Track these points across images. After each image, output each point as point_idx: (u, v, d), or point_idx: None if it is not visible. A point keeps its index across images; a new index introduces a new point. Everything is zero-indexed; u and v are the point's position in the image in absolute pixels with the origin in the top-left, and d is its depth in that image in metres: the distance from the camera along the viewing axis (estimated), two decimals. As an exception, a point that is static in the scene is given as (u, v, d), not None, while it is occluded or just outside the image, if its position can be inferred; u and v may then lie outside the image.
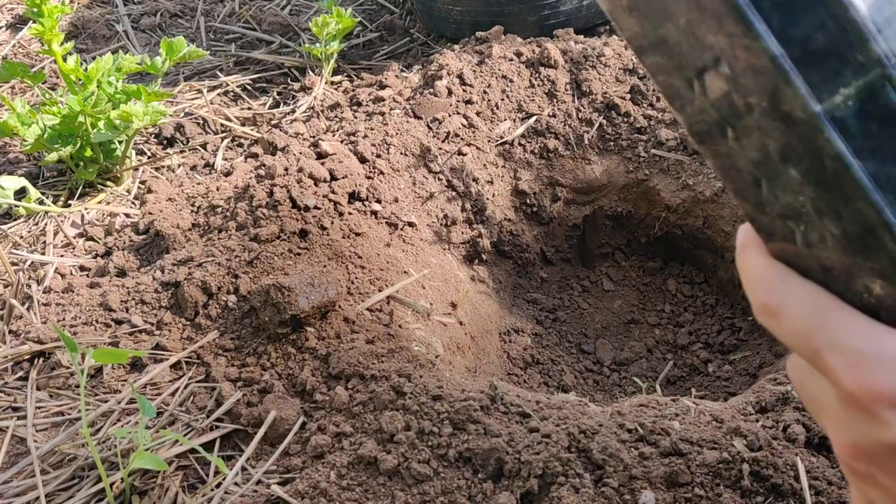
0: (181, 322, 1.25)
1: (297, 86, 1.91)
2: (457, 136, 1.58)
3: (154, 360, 1.20)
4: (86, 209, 1.56)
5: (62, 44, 1.59)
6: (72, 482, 1.05)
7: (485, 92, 1.63)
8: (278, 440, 1.09)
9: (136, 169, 1.67)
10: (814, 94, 0.34)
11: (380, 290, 1.29)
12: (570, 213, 1.71)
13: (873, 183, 0.34)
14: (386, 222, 1.42)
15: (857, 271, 0.36)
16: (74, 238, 1.50)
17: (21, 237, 1.51)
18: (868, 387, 0.35)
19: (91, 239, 1.49)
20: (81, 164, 1.61)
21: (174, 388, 1.17)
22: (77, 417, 1.13)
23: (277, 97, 1.91)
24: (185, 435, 1.10)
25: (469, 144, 1.59)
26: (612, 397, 1.48)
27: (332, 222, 1.35)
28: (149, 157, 1.73)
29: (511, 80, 1.65)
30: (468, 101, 1.62)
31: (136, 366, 1.21)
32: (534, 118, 1.63)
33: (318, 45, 1.87)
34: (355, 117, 1.63)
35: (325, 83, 1.89)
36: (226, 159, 1.69)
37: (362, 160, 1.46)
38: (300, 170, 1.40)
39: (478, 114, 1.62)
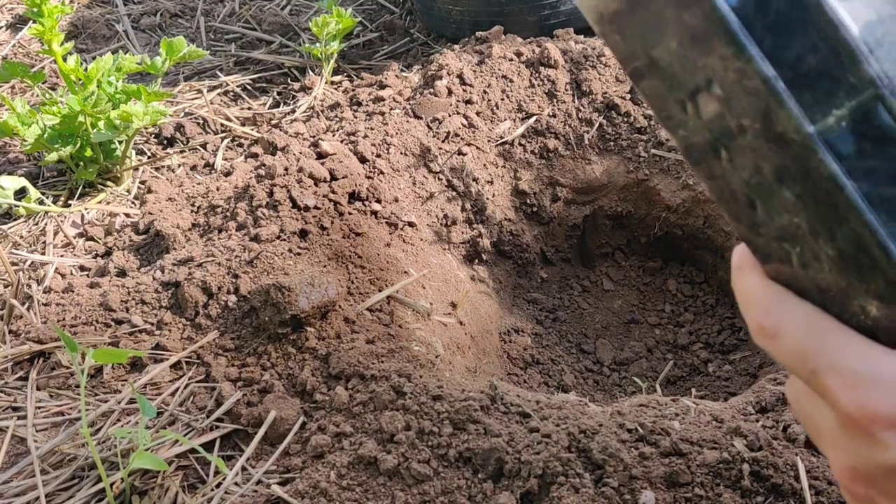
0: (181, 322, 1.25)
1: (297, 86, 1.91)
2: (457, 135, 1.58)
3: (154, 360, 1.20)
4: (86, 209, 1.56)
5: (62, 44, 1.59)
6: (72, 482, 1.05)
7: (485, 92, 1.63)
8: (278, 440, 1.09)
9: (136, 169, 1.67)
10: (807, 116, 0.34)
11: (380, 290, 1.29)
12: (570, 213, 1.71)
13: (867, 203, 0.34)
14: (386, 222, 1.42)
15: (853, 292, 0.36)
16: (74, 238, 1.50)
17: (21, 237, 1.51)
18: (866, 408, 0.35)
19: (91, 239, 1.49)
20: (81, 164, 1.61)
21: (174, 388, 1.17)
22: (77, 417, 1.13)
23: (277, 97, 1.91)
24: (185, 435, 1.10)
25: (469, 144, 1.59)
26: (612, 397, 1.48)
27: (332, 222, 1.35)
28: (149, 157, 1.73)
29: (511, 80, 1.65)
30: (468, 101, 1.62)
31: (136, 366, 1.21)
32: (534, 118, 1.63)
33: (318, 45, 1.87)
34: (355, 117, 1.63)
35: (325, 83, 1.89)
36: (226, 159, 1.69)
37: (362, 160, 1.46)
38: (300, 170, 1.40)
39: (478, 114, 1.62)
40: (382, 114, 1.59)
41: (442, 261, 1.48)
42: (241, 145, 1.75)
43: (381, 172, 1.46)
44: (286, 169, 1.41)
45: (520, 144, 1.63)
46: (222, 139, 1.76)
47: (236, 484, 1.04)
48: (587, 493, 0.92)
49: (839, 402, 0.36)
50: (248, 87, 1.94)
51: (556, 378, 1.49)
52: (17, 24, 2.25)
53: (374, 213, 1.42)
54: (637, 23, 0.38)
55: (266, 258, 1.27)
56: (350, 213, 1.38)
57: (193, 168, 1.68)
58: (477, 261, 1.59)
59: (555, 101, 1.65)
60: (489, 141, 1.61)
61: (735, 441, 0.98)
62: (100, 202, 1.59)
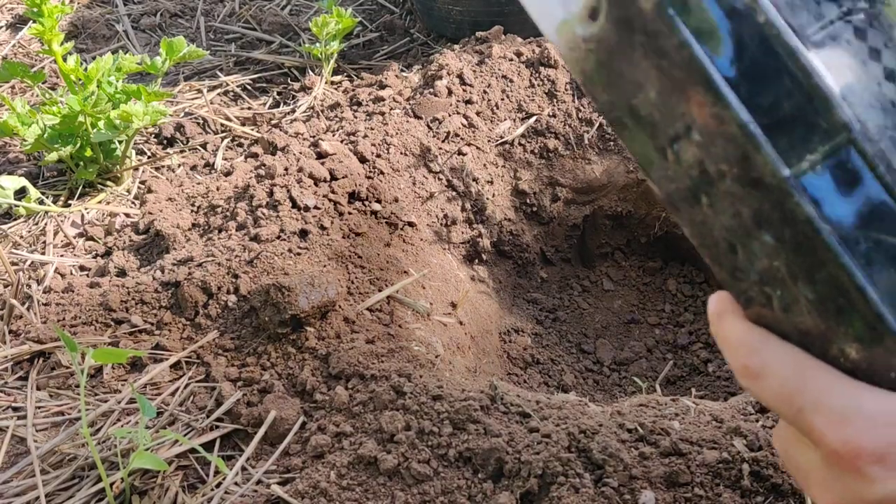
0: (181, 322, 1.25)
1: (297, 86, 1.91)
2: (457, 135, 1.58)
3: (154, 360, 1.20)
4: (86, 209, 1.56)
5: (62, 44, 1.59)
6: (72, 482, 1.05)
7: (485, 92, 1.63)
8: (278, 440, 1.09)
9: (136, 169, 1.67)
10: (783, 160, 0.35)
11: (380, 290, 1.29)
12: (570, 213, 1.71)
13: (844, 246, 0.35)
14: (386, 222, 1.42)
15: (832, 336, 0.37)
16: (74, 238, 1.50)
17: (21, 237, 1.51)
18: (850, 444, 0.35)
19: (91, 239, 1.49)
20: (81, 163, 1.61)
21: (174, 388, 1.17)
22: (77, 417, 1.13)
23: (277, 97, 1.91)
24: (185, 435, 1.10)
25: (469, 144, 1.59)
26: (612, 397, 1.48)
27: (332, 222, 1.36)
28: (149, 157, 1.73)
29: (511, 80, 1.65)
30: (468, 101, 1.62)
31: (136, 366, 1.21)
32: (534, 118, 1.63)
33: (318, 45, 1.87)
34: (355, 117, 1.63)
35: (325, 83, 1.89)
36: (226, 159, 1.69)
37: (362, 160, 1.46)
38: (300, 170, 1.40)
39: (478, 114, 1.62)
40: (382, 114, 1.59)
41: (442, 261, 1.48)
42: (241, 145, 1.75)
43: (381, 172, 1.46)
44: (286, 169, 1.41)
45: (520, 144, 1.63)
46: (222, 139, 1.76)
47: (236, 484, 1.04)
48: (587, 493, 0.92)
49: (824, 440, 0.36)
50: (248, 87, 1.94)
51: (556, 378, 1.49)
52: (17, 24, 2.25)
53: (374, 213, 1.42)
54: (617, 74, 0.39)
55: (266, 258, 1.27)
56: (350, 213, 1.38)
57: (193, 168, 1.68)
58: (477, 261, 1.59)
59: (555, 100, 1.65)
60: (489, 141, 1.61)
61: (735, 441, 0.98)
62: (100, 202, 1.59)
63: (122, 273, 1.37)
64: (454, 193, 1.55)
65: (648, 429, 1.01)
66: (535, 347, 1.54)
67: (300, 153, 1.46)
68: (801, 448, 0.40)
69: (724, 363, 1.54)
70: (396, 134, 1.53)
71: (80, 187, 1.62)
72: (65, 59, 1.59)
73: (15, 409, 1.16)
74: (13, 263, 1.43)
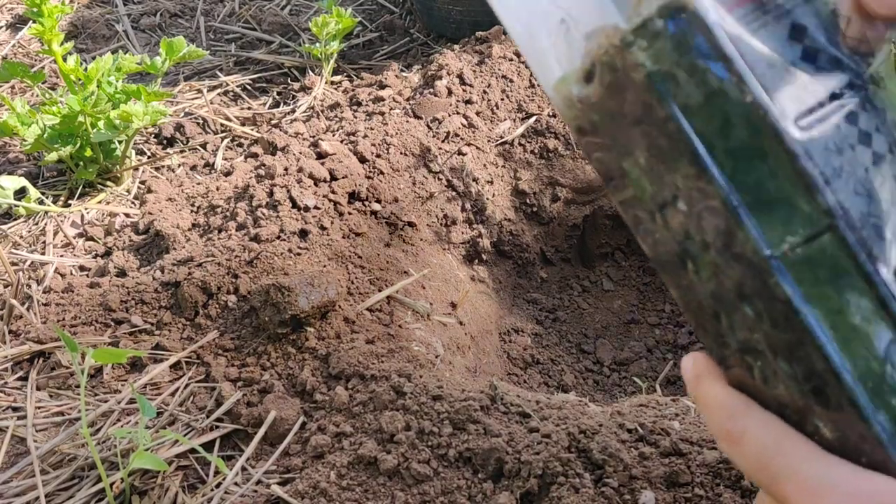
0: (181, 322, 1.25)
1: (297, 86, 1.91)
2: (457, 136, 1.58)
3: (154, 360, 1.20)
4: (86, 209, 1.56)
5: (62, 44, 1.59)
6: (72, 482, 1.05)
7: (485, 92, 1.63)
8: (278, 440, 1.09)
9: (136, 169, 1.67)
10: (765, 239, 0.35)
11: (380, 290, 1.29)
12: (570, 213, 1.71)
13: (822, 328, 0.35)
14: (386, 222, 1.42)
15: (808, 413, 0.37)
16: (74, 238, 1.50)
17: (21, 237, 1.51)
18: None
19: (91, 239, 1.49)
20: (81, 163, 1.61)
21: (174, 388, 1.17)
22: (77, 417, 1.13)
23: (277, 97, 1.91)
24: (185, 435, 1.10)
25: (469, 144, 1.59)
26: (612, 397, 1.48)
27: (332, 222, 1.35)
28: (149, 157, 1.73)
29: (511, 80, 1.65)
30: (468, 101, 1.62)
31: (136, 366, 1.21)
32: (534, 118, 1.63)
33: (318, 45, 1.87)
34: (355, 117, 1.63)
35: (325, 83, 1.89)
36: (226, 159, 1.69)
37: (362, 160, 1.46)
38: (300, 170, 1.40)
39: (478, 114, 1.62)
40: (382, 114, 1.59)
41: (442, 261, 1.48)
42: (241, 145, 1.75)
43: (381, 172, 1.46)
44: (286, 169, 1.41)
45: (520, 144, 1.63)
46: (222, 139, 1.76)
47: (236, 484, 1.04)
48: (587, 493, 0.92)
49: None
50: (248, 87, 1.94)
51: (556, 378, 1.49)
52: (17, 24, 2.25)
53: (374, 213, 1.42)
54: (609, 136, 0.39)
55: (266, 258, 1.27)
56: (350, 214, 1.38)
57: (193, 168, 1.68)
58: (477, 261, 1.59)
59: (547, 96, 1.64)
60: (489, 141, 1.61)
61: (735, 441, 0.98)
62: (100, 202, 1.59)
63: (122, 273, 1.37)
64: (454, 193, 1.55)
65: (648, 429, 1.01)
66: (535, 347, 1.54)
67: (300, 153, 1.46)
68: None
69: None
70: (396, 134, 1.53)
71: (80, 187, 1.62)
72: (65, 59, 1.59)
73: (15, 409, 1.16)
74: (13, 263, 1.43)
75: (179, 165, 1.69)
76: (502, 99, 1.63)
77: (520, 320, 1.59)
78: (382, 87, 1.72)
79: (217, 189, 1.52)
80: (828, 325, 0.35)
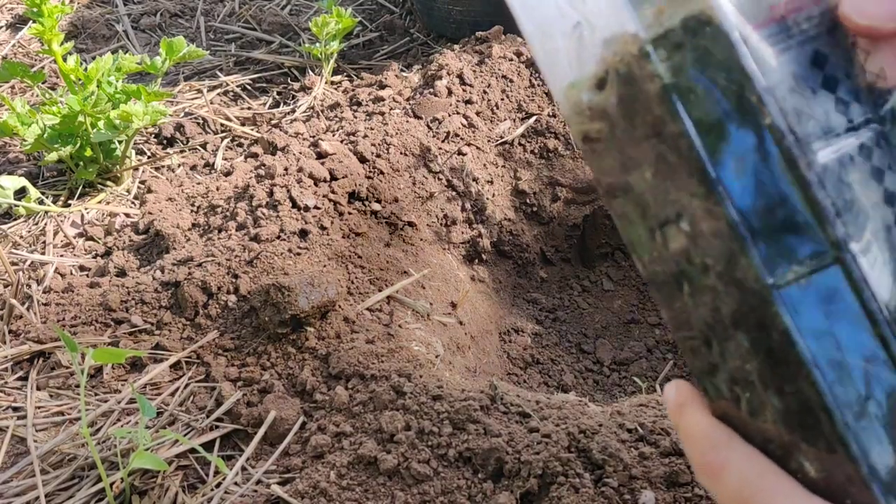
0: (181, 322, 1.25)
1: (297, 86, 1.91)
2: (457, 135, 1.58)
3: (154, 360, 1.20)
4: (86, 209, 1.56)
5: (62, 44, 1.59)
6: (72, 482, 1.05)
7: (485, 92, 1.63)
8: (278, 440, 1.09)
9: (136, 169, 1.67)
10: (768, 267, 0.34)
11: (380, 290, 1.29)
12: (570, 213, 1.71)
13: (818, 364, 0.34)
14: (386, 222, 1.42)
15: (794, 450, 0.36)
16: (74, 238, 1.50)
17: (21, 237, 1.51)
18: None
19: (91, 239, 1.49)
20: (81, 163, 1.61)
21: (174, 388, 1.17)
22: (77, 417, 1.13)
23: (277, 97, 1.91)
24: (185, 435, 1.10)
25: (469, 144, 1.59)
26: (612, 397, 1.48)
27: (332, 222, 1.35)
28: (149, 157, 1.73)
29: (511, 80, 1.65)
30: (468, 101, 1.62)
31: (136, 366, 1.21)
32: (534, 118, 1.63)
33: (318, 44, 1.87)
34: (355, 117, 1.63)
35: (325, 83, 1.89)
36: (226, 159, 1.69)
37: (362, 160, 1.46)
38: (300, 170, 1.40)
39: (478, 114, 1.62)
40: (382, 114, 1.59)
41: (442, 261, 1.48)
42: (241, 145, 1.75)
43: (381, 172, 1.46)
44: (286, 169, 1.41)
45: (520, 144, 1.63)
46: (222, 139, 1.76)
47: (236, 484, 1.04)
48: (587, 493, 0.92)
49: None
50: (248, 87, 1.94)
51: (556, 378, 1.49)
52: (17, 24, 2.25)
53: (374, 213, 1.42)
54: (616, 147, 0.38)
55: (266, 258, 1.27)
56: (350, 213, 1.38)
57: (193, 168, 1.68)
58: (477, 261, 1.59)
59: (555, 100, 1.65)
60: (489, 141, 1.61)
61: (735, 441, 0.98)
62: (100, 202, 1.59)
63: (121, 273, 1.37)
64: (454, 193, 1.55)
65: (648, 429, 1.01)
66: (535, 347, 1.54)
67: (300, 153, 1.46)
68: None
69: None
70: (396, 134, 1.53)
71: (80, 187, 1.62)
72: (65, 59, 1.59)
73: (15, 409, 1.16)
74: (13, 263, 1.43)
75: (179, 165, 1.69)
76: (502, 99, 1.63)
77: (520, 320, 1.59)
78: (382, 87, 1.72)
79: (217, 189, 1.52)
80: (825, 360, 0.34)
